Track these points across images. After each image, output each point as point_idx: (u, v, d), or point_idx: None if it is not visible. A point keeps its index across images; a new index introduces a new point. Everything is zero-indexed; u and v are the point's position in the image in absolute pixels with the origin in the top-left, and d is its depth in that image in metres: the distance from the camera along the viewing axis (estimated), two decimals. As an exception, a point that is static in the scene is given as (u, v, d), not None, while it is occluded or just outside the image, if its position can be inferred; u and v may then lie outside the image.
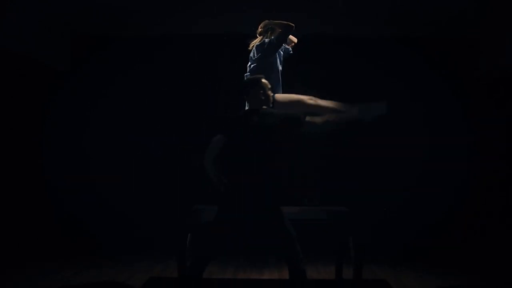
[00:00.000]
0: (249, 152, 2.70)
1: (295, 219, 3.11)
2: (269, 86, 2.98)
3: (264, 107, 2.89)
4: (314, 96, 3.44)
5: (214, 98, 5.98)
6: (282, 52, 3.72)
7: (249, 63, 3.64)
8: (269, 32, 3.61)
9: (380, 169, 5.78)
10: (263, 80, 2.95)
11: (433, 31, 5.85)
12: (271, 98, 3.05)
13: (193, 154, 2.75)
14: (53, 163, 5.65)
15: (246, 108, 3.11)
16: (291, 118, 2.77)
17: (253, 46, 3.66)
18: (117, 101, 5.98)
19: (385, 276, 4.36)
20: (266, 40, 3.55)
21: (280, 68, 3.67)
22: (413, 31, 5.88)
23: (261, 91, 2.90)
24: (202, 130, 5.81)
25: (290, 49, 3.87)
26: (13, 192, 5.05)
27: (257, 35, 3.70)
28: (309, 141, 5.33)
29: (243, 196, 2.67)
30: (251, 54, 3.65)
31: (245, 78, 3.42)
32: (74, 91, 5.94)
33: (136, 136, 5.92)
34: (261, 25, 3.69)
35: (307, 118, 2.81)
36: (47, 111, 5.63)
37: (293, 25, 3.50)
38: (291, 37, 3.82)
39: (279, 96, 3.42)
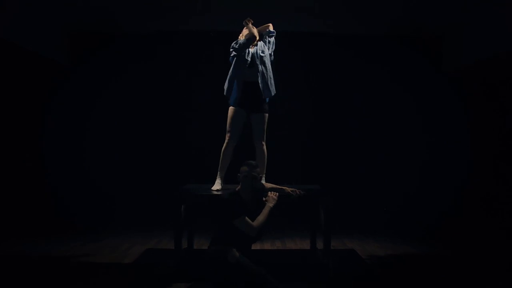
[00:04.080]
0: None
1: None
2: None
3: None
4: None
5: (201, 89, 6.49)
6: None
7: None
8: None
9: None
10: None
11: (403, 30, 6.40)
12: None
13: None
14: (51, 152, 6.15)
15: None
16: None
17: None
18: (110, 95, 6.49)
19: (353, 246, 4.98)
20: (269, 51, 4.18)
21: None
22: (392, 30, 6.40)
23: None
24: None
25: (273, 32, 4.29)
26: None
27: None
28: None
29: None
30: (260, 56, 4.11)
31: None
32: (68, 84, 6.39)
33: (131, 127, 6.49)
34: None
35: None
36: (44, 100, 6.05)
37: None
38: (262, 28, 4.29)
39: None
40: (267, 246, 5.01)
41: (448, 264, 4.27)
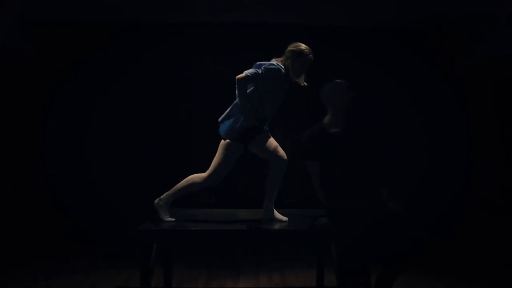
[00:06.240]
0: None
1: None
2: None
3: None
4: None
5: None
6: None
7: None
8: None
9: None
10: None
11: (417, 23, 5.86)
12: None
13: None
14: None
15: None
16: None
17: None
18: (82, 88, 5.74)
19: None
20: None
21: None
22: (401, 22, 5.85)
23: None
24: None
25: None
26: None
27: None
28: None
29: None
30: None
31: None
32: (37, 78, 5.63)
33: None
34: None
35: None
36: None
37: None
38: None
39: None
40: (263, 282, 4.13)
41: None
